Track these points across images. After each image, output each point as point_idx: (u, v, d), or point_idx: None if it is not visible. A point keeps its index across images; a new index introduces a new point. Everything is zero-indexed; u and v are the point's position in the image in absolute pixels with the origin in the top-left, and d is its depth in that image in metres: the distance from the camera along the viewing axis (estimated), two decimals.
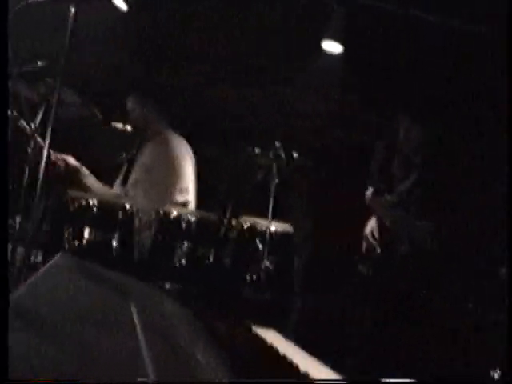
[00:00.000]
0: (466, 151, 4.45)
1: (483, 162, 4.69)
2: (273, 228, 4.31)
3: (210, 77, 5.87)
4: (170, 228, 4.35)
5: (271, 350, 1.70)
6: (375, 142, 4.25)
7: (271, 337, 1.92)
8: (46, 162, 3.73)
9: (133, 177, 5.06)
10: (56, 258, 1.91)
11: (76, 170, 4.92)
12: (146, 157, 5.07)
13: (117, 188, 5.15)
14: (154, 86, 5.33)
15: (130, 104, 5.17)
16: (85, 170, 4.98)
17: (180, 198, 4.88)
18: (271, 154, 4.32)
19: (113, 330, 1.27)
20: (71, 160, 4.91)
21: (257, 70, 5.68)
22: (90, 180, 5.08)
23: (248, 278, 4.26)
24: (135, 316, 1.39)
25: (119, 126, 5.25)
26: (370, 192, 4.11)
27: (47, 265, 1.77)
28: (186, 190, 4.94)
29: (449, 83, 4.79)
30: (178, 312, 1.74)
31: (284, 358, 1.63)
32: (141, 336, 1.21)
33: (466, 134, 4.60)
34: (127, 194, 4.99)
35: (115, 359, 1.10)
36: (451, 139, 4.32)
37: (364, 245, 4.23)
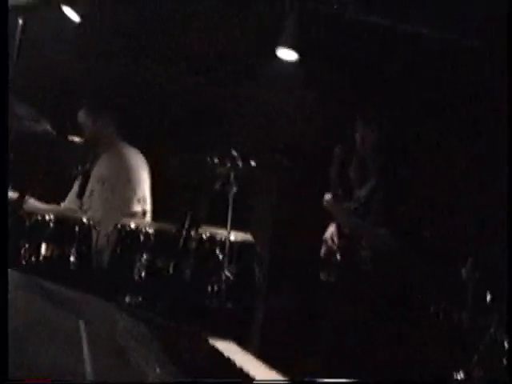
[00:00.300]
0: (422, 154, 4.47)
1: (442, 165, 4.71)
2: (232, 238, 4.27)
3: (161, 82, 5.81)
4: (128, 240, 4.29)
5: (228, 363, 1.65)
6: (334, 147, 4.24)
7: (229, 349, 1.87)
8: None
9: (88, 189, 5.00)
10: None
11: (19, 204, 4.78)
12: (101, 168, 5.01)
13: (72, 201, 5.08)
14: (104, 98, 5.24)
15: (82, 118, 5.10)
16: (30, 200, 4.86)
17: (137, 208, 4.83)
18: (228, 163, 4.28)
19: (58, 344, 1.22)
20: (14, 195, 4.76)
21: (212, 75, 5.65)
22: (36, 205, 4.98)
23: (209, 288, 4.21)
24: (82, 330, 1.34)
25: (76, 139, 5.19)
26: (328, 197, 4.10)
27: None
28: (144, 200, 4.90)
29: (401, 86, 4.81)
30: (130, 326, 1.69)
31: (241, 370, 1.59)
32: (86, 349, 1.17)
33: (423, 138, 4.61)
34: (83, 207, 4.92)
35: (58, 373, 1.05)
36: (407, 143, 4.33)
37: (323, 249, 4.21)
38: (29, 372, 1.04)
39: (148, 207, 4.93)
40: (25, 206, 4.70)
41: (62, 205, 5.13)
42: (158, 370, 1.32)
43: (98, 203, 4.87)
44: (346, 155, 4.14)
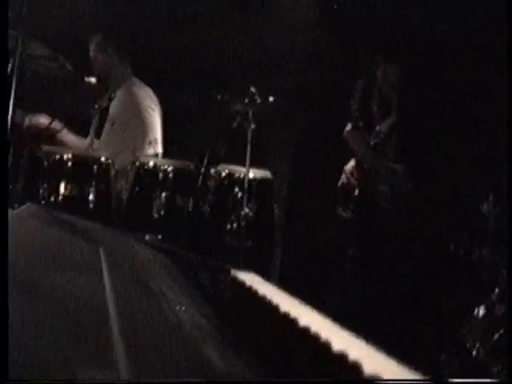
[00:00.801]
0: (445, 94, 4.38)
1: (464, 104, 4.63)
2: (251, 175, 4.24)
3: (175, 19, 5.70)
4: (146, 179, 4.28)
5: (250, 292, 1.62)
6: (354, 82, 4.17)
7: (250, 279, 1.84)
8: (12, 120, 3.59)
9: (104, 130, 4.97)
10: (22, 207, 1.83)
11: (56, 132, 4.78)
12: (113, 108, 4.97)
13: (90, 141, 5.05)
14: (115, 29, 5.14)
15: (92, 49, 5.01)
16: (64, 132, 4.85)
17: (150, 151, 4.79)
18: (246, 100, 4.22)
19: (79, 273, 1.20)
20: (45, 120, 4.76)
21: (226, 10, 5.54)
22: (70, 137, 4.98)
23: (228, 226, 4.20)
24: (103, 259, 1.32)
25: (92, 80, 5.13)
26: (348, 127, 4.04)
27: (12, 213, 1.68)
28: (156, 142, 4.86)
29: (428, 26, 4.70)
30: (151, 257, 1.67)
31: (263, 298, 1.56)
32: (107, 278, 1.14)
33: (445, 76, 4.52)
34: (100, 147, 4.90)
35: (80, 301, 1.03)
36: (431, 81, 4.24)
37: (341, 181, 4.17)
38: (46, 300, 1.01)
39: (160, 149, 4.88)
40: (57, 137, 4.71)
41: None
42: (182, 296, 1.29)
43: (112, 144, 4.85)
44: (369, 88, 4.07)
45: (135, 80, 5.04)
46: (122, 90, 4.97)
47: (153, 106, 4.95)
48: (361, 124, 4.07)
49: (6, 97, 2.81)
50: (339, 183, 4.17)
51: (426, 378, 0.96)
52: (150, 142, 4.80)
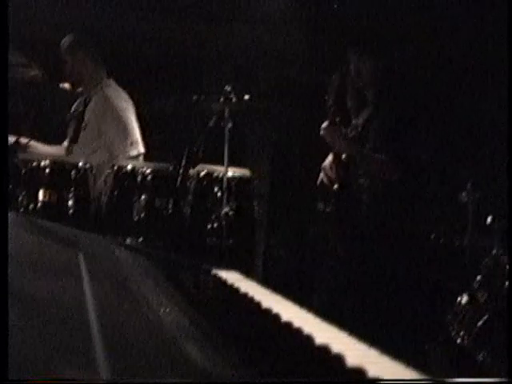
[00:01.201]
0: (420, 84, 4.41)
1: (441, 92, 4.66)
2: (230, 174, 4.24)
3: (149, 19, 5.68)
4: (125, 182, 4.27)
5: (232, 290, 1.63)
6: (329, 78, 4.18)
7: (232, 278, 1.85)
8: None
9: (81, 134, 4.93)
10: None
11: (24, 147, 4.72)
12: (90, 113, 4.93)
13: (67, 146, 5.02)
14: (86, 31, 5.10)
15: (64, 52, 4.94)
16: (32, 143, 4.80)
17: (133, 152, 4.77)
18: (222, 99, 4.21)
19: (59, 279, 1.19)
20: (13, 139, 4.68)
21: (199, 10, 5.53)
22: (40, 148, 4.94)
23: (209, 225, 4.19)
24: (82, 263, 1.31)
25: (66, 86, 5.11)
26: (325, 124, 4.04)
27: None
28: (137, 142, 4.83)
29: (399, 18, 4.73)
30: (131, 260, 1.66)
31: (245, 295, 1.56)
32: (87, 283, 1.14)
33: (420, 67, 4.55)
34: (78, 152, 4.87)
35: (60, 306, 1.03)
36: (405, 73, 4.26)
37: (320, 178, 4.17)
38: (27, 305, 1.01)
39: (142, 149, 4.85)
40: (28, 149, 4.67)
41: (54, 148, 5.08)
42: (162, 298, 1.29)
43: (91, 148, 4.82)
44: (343, 83, 4.07)
45: (109, 82, 4.99)
46: (96, 94, 4.93)
47: (128, 107, 4.91)
48: (337, 119, 4.07)
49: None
50: (319, 180, 4.18)
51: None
52: (131, 143, 4.78)
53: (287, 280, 5.06)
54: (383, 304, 3.73)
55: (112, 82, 4.99)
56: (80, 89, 5.00)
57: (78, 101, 5.12)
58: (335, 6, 5.00)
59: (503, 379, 2.72)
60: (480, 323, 3.31)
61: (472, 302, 3.46)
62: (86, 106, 5.00)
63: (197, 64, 5.71)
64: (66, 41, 4.92)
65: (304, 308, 1.55)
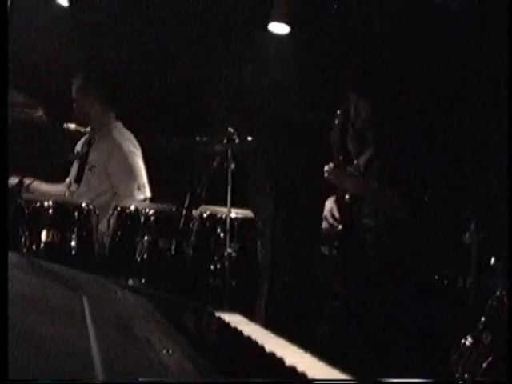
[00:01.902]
0: (420, 121, 4.43)
1: (442, 129, 4.68)
2: (233, 215, 4.23)
3: (153, 62, 5.74)
4: (128, 223, 4.27)
5: (235, 333, 1.62)
6: (331, 117, 4.20)
7: (235, 320, 1.84)
8: None
9: (85, 175, 4.95)
10: None
11: (28, 187, 4.72)
12: (96, 153, 4.95)
13: (68, 186, 5.04)
14: (97, 72, 5.15)
15: (74, 91, 5.00)
16: (35, 183, 4.80)
17: (140, 196, 4.78)
18: (225, 140, 4.23)
19: (63, 322, 1.19)
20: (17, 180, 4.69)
21: (201, 52, 5.58)
22: (44, 188, 4.96)
23: (212, 267, 4.18)
24: (86, 307, 1.31)
25: (72, 126, 5.13)
26: (330, 166, 4.05)
27: None
28: (144, 186, 4.85)
29: (397, 58, 4.77)
30: (134, 302, 1.66)
31: (249, 339, 1.56)
32: (90, 326, 1.14)
33: (419, 104, 4.58)
34: (81, 192, 4.89)
35: (64, 349, 1.02)
36: (404, 111, 4.28)
37: (324, 225, 4.17)
38: (30, 349, 1.00)
39: (148, 194, 4.86)
40: (30, 189, 4.67)
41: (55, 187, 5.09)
42: (166, 342, 1.29)
43: (97, 190, 4.84)
44: (345, 124, 4.09)
45: (117, 124, 5.03)
46: (104, 135, 4.96)
47: (136, 151, 4.93)
48: (341, 158, 4.09)
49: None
50: (323, 225, 4.17)
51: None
52: (138, 187, 4.80)
53: (291, 322, 5.03)
54: (388, 346, 3.71)
55: (120, 125, 5.02)
56: (87, 129, 5.02)
57: (81, 141, 5.14)
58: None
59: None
60: (484, 365, 3.28)
61: (476, 343, 3.43)
62: (90, 146, 5.03)
63: (200, 106, 5.75)
64: (76, 80, 4.97)
65: (308, 351, 1.54)
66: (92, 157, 4.94)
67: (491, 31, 4.38)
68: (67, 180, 5.09)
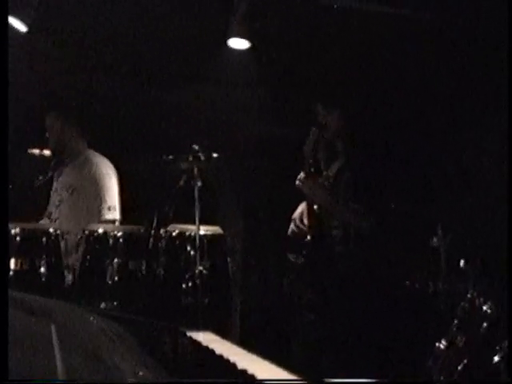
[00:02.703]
0: (388, 131, 4.47)
1: (410, 142, 4.73)
2: (202, 232, 4.23)
3: (114, 82, 5.74)
4: (97, 246, 4.24)
5: (207, 351, 1.62)
6: (299, 131, 4.23)
7: (208, 339, 1.84)
8: None
9: (56, 199, 4.95)
10: None
11: None
12: (69, 177, 4.96)
13: (51, 215, 5.01)
14: (71, 103, 5.17)
15: (49, 122, 5.02)
16: None
17: (109, 216, 4.78)
18: (190, 158, 4.24)
19: (29, 351, 1.18)
20: None
21: (161, 71, 5.59)
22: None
23: (184, 285, 4.17)
24: (54, 335, 1.30)
25: (36, 152, 5.12)
26: (301, 175, 4.07)
27: None
28: (114, 208, 4.85)
29: (361, 67, 4.81)
30: (104, 326, 1.65)
31: (221, 357, 1.56)
32: (58, 354, 1.13)
33: (387, 114, 4.62)
34: (51, 217, 4.88)
35: (30, 378, 1.02)
36: (372, 122, 4.32)
37: (291, 228, 4.18)
38: None
39: (118, 216, 4.87)
40: None
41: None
42: (136, 365, 1.28)
43: (67, 213, 4.83)
44: (316, 136, 4.12)
45: (90, 151, 5.07)
46: (78, 160, 4.99)
47: (111, 174, 4.96)
48: (312, 169, 4.11)
49: None
50: (289, 231, 4.19)
51: None
52: (109, 208, 4.81)
53: (264, 336, 5.02)
54: (362, 354, 3.72)
55: (92, 151, 5.05)
56: (51, 153, 5.04)
57: (51, 166, 5.14)
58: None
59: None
60: (460, 367, 3.30)
61: (451, 346, 3.46)
62: (56, 169, 5.04)
63: (164, 125, 5.75)
64: (52, 114, 5.02)
65: (281, 366, 1.54)
66: (71, 180, 4.94)
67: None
68: (47, 212, 5.07)
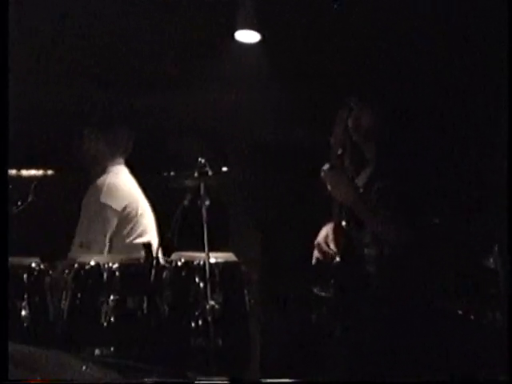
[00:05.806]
0: (427, 137, 4.45)
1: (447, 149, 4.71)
2: (212, 260, 4.21)
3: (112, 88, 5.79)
4: (89, 282, 4.22)
5: None
6: (314, 139, 4.22)
7: None
8: None
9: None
10: None
11: None
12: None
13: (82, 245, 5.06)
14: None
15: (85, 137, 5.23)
16: None
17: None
18: (196, 173, 4.22)
19: None
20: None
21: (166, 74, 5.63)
22: None
23: (193, 324, 4.14)
24: None
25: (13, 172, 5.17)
26: (326, 166, 4.02)
27: None
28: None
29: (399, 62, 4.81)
30: (100, 377, 1.61)
31: None
32: None
33: (427, 118, 4.60)
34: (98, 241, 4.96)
35: None
36: (409, 126, 4.29)
37: (315, 255, 4.14)
38: None
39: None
40: None
41: None
42: None
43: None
44: (342, 139, 4.09)
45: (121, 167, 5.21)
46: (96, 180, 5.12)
47: (108, 202, 4.97)
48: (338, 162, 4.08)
49: None
50: (313, 259, 4.15)
51: None
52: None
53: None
54: None
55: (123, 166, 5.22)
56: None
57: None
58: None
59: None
60: None
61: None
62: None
63: (165, 135, 5.77)
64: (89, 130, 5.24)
65: None
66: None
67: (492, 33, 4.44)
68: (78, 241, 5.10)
